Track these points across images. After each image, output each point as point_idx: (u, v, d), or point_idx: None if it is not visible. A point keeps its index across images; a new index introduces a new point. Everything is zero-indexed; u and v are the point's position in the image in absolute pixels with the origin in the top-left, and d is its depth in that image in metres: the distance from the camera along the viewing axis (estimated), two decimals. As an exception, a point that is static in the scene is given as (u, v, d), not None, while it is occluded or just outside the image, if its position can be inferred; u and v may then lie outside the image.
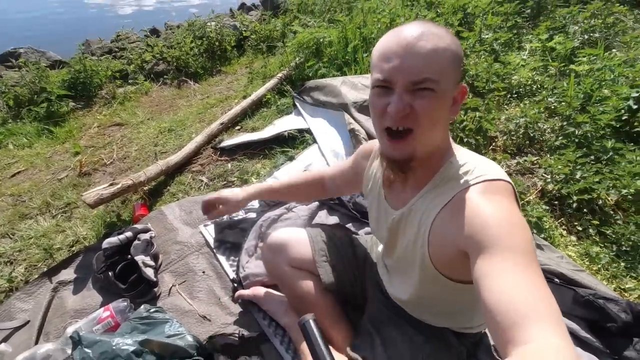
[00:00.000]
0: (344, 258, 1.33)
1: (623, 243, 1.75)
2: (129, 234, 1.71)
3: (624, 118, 2.27)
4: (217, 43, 4.26)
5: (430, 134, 0.76)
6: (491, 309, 0.56)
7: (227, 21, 4.67)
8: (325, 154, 2.31)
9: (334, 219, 1.91)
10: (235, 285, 1.59)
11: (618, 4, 3.40)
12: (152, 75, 4.01)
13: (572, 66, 2.66)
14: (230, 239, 1.84)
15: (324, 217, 1.92)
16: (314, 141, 2.45)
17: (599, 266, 1.68)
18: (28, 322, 1.54)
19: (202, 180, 2.35)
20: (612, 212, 1.88)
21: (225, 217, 1.99)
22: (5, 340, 1.49)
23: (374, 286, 1.29)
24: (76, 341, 1.13)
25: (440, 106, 0.73)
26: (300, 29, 3.48)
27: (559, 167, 2.01)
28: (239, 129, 2.84)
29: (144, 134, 2.97)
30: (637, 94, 2.31)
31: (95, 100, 3.66)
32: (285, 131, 2.52)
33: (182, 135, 2.86)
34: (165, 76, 4.00)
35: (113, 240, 1.67)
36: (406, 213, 0.87)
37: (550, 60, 2.89)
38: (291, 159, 2.37)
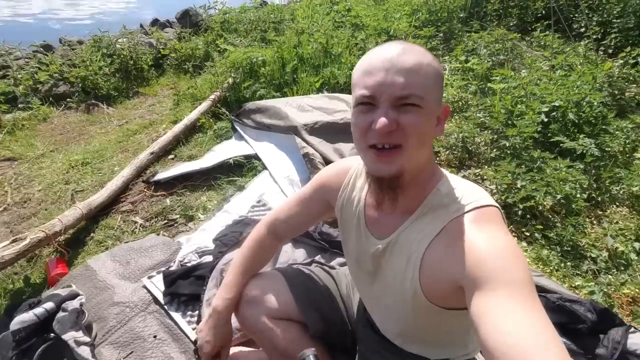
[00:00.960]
0: (329, 299, 1.21)
1: (565, 244, 1.93)
2: (49, 305, 1.33)
3: (539, 130, 2.57)
4: (131, 62, 3.81)
5: (419, 152, 0.72)
6: (492, 351, 0.54)
7: (140, 38, 4.22)
8: (279, 181, 2.16)
9: (300, 252, 1.77)
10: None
11: (511, 31, 3.96)
12: (50, 99, 3.39)
13: (490, 84, 2.95)
14: (185, 290, 1.55)
15: (289, 251, 1.76)
16: (264, 167, 2.28)
17: (551, 268, 1.82)
18: None
19: (135, 222, 2.00)
20: (550, 216, 2.07)
21: (174, 265, 1.70)
22: None
23: (364, 325, 1.19)
24: None
25: (427, 123, 0.71)
26: (230, 47, 3.29)
27: (500, 177, 2.17)
28: (173, 158, 2.52)
29: (49, 169, 2.45)
30: (546, 109, 2.65)
31: (-27, 130, 2.94)
32: (230, 158, 2.30)
33: (102, 169, 2.43)
34: (69, 99, 3.41)
35: (26, 317, 1.27)
36: (393, 242, 0.82)
37: (471, 79, 3.17)
38: (241, 189, 2.16)
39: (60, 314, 1.32)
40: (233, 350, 1.28)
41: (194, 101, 3.13)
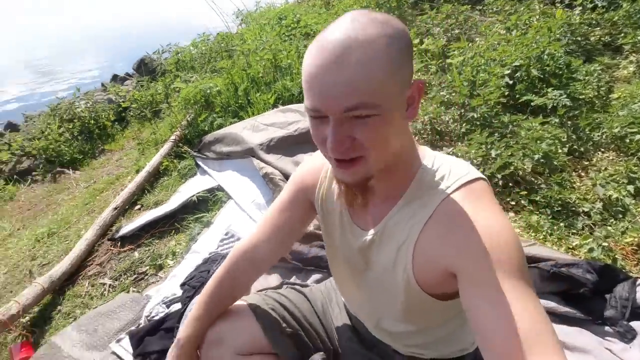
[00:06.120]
0: (302, 322, 1.11)
1: (554, 204, 1.79)
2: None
3: (506, 94, 2.46)
4: (92, 121, 3.77)
5: (384, 154, 0.64)
6: (487, 343, 0.55)
7: (98, 96, 4.20)
8: (245, 207, 2.05)
9: (275, 277, 1.64)
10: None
11: (460, 4, 3.90)
12: (15, 176, 3.34)
13: (448, 60, 2.86)
14: (154, 347, 1.43)
15: (261, 278, 1.64)
16: (229, 197, 2.18)
17: (544, 233, 1.68)
18: None
19: (104, 284, 1.89)
20: (533, 180, 1.94)
21: (141, 322, 1.58)
22: None
23: (348, 340, 1.09)
24: None
25: (390, 126, 0.60)
26: (183, 85, 3.24)
27: (474, 151, 2.04)
28: (139, 209, 2.42)
29: (15, 249, 2.36)
30: (508, 71, 2.54)
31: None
32: (193, 195, 2.20)
33: (68, 235, 2.34)
34: (34, 173, 3.36)
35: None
36: (380, 232, 0.76)
37: (429, 60, 3.09)
38: (208, 224, 2.05)
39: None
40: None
41: (156, 145, 3.06)
